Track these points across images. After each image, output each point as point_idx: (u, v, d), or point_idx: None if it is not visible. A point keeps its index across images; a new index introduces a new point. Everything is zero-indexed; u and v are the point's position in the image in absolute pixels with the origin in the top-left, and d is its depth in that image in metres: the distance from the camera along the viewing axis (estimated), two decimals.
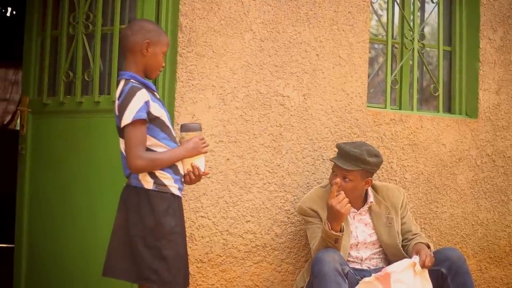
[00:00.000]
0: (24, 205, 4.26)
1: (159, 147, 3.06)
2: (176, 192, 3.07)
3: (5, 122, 8.11)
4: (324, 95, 4.25)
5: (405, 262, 3.66)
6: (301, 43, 4.20)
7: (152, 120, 3.01)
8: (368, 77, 4.48)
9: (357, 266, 3.84)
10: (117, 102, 3.03)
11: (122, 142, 3.07)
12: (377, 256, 3.90)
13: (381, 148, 4.36)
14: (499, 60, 4.83)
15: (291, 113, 4.16)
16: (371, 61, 4.77)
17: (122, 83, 3.06)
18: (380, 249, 3.90)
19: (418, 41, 4.68)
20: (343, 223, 3.65)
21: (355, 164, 3.78)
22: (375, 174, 4.01)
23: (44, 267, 4.15)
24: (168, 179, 3.04)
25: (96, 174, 4.02)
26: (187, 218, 3.86)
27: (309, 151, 4.20)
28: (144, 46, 3.07)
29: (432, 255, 3.71)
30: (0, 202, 6.18)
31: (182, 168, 3.13)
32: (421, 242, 3.83)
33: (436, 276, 3.72)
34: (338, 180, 3.64)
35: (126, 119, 2.96)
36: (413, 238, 3.91)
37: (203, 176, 3.20)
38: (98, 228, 3.98)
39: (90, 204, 4.02)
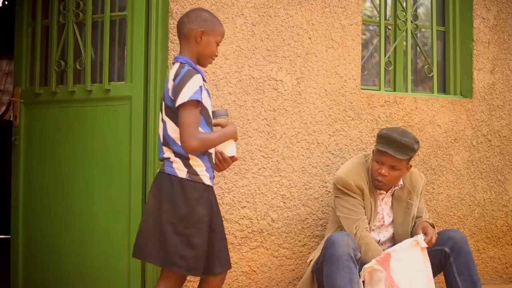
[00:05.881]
0: (20, 196, 4.25)
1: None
2: (207, 181, 3.12)
3: (0, 113, 8.09)
4: (317, 78, 4.23)
5: (408, 241, 3.67)
6: (293, 27, 4.17)
7: (200, 107, 3.08)
8: (362, 59, 4.46)
9: None
10: (172, 82, 3.07)
11: (162, 125, 3.11)
12: (388, 243, 3.91)
13: (376, 130, 4.35)
14: (493, 39, 4.81)
15: (285, 97, 4.14)
16: (366, 43, 4.74)
17: (177, 65, 3.12)
18: (392, 236, 3.91)
19: (411, 22, 4.65)
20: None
21: (406, 153, 3.74)
22: None
23: (40, 257, 4.15)
24: (200, 167, 3.09)
25: (90, 163, 4.01)
26: None
27: (304, 135, 4.19)
28: (198, 34, 3.14)
29: (437, 234, 3.75)
30: None
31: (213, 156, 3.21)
32: (426, 221, 3.86)
33: (440, 255, 3.76)
34: None
35: (182, 98, 3.01)
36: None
37: (233, 161, 3.26)
38: (93, 217, 3.98)
39: (85, 193, 4.02)
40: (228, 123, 3.21)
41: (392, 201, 3.90)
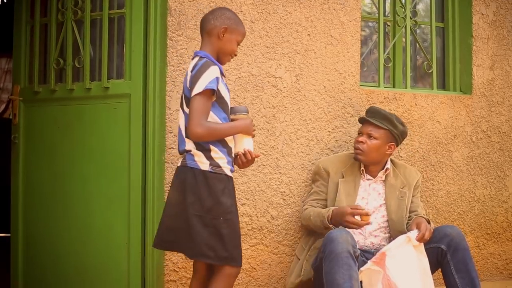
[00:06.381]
0: (19, 194, 4.24)
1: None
2: (229, 173, 3.21)
3: None
4: (316, 75, 4.23)
5: (401, 238, 3.67)
6: (292, 24, 4.17)
7: (218, 98, 3.17)
8: (361, 56, 4.45)
9: (361, 240, 3.87)
10: (190, 74, 3.17)
11: (183, 117, 3.19)
12: (382, 234, 3.90)
13: None
14: (493, 35, 4.80)
15: (284, 94, 4.14)
16: (365, 40, 4.74)
17: (196, 59, 3.22)
18: (386, 224, 3.92)
19: (410, 18, 4.65)
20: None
21: (383, 123, 3.89)
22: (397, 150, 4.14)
23: (40, 256, 4.14)
24: (222, 159, 3.18)
25: (90, 161, 4.00)
26: None
27: (303, 132, 4.18)
28: (221, 31, 3.25)
29: (432, 229, 3.73)
30: None
31: (234, 151, 3.27)
32: (421, 216, 3.86)
33: (436, 253, 3.75)
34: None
35: (198, 88, 3.11)
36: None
37: (255, 159, 3.34)
38: (92, 215, 3.98)
39: (84, 191, 4.01)
40: (243, 119, 3.26)
41: (385, 189, 3.94)
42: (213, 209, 3.13)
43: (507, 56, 4.84)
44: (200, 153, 3.16)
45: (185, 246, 3.17)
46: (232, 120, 3.25)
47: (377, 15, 4.60)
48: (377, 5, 4.62)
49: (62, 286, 4.07)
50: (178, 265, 3.85)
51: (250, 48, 4.04)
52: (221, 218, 3.14)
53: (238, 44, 3.33)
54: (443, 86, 4.83)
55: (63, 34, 4.12)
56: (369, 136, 3.89)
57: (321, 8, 4.25)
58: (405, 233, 3.78)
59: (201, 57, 3.22)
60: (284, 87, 4.14)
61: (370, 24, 4.79)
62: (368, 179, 3.96)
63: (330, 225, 3.72)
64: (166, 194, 3.83)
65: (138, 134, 3.88)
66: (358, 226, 3.64)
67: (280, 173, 4.12)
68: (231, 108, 3.29)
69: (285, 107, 4.14)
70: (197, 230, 3.12)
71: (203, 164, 3.15)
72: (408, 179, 3.99)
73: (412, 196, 3.99)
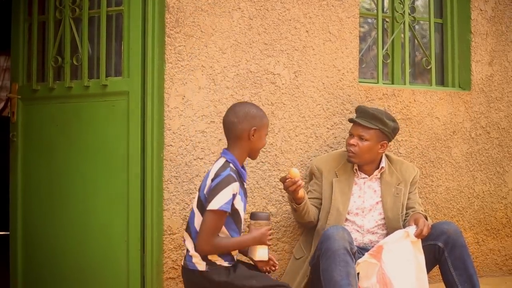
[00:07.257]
0: (18, 193, 4.24)
1: (225, 235, 3.24)
2: (227, 263, 3.26)
3: None
4: (315, 71, 4.23)
5: (399, 233, 3.66)
6: (290, 20, 4.16)
7: (231, 212, 3.20)
8: (360, 52, 4.45)
9: (359, 238, 3.87)
10: (210, 182, 3.20)
11: (191, 213, 3.28)
12: (379, 231, 3.90)
13: None
14: (491, 31, 4.80)
15: (283, 91, 4.13)
16: (363, 36, 4.73)
17: (221, 161, 3.26)
18: (383, 222, 3.91)
19: (409, 14, 4.64)
20: (306, 198, 3.79)
21: (373, 123, 3.85)
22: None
23: (39, 253, 4.14)
24: (219, 260, 3.24)
25: (88, 159, 4.00)
26: (181, 200, 3.86)
27: (302, 129, 4.18)
28: (252, 133, 3.27)
29: (430, 225, 3.72)
30: None
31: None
32: (419, 213, 3.84)
33: (433, 250, 3.73)
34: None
35: (213, 205, 3.14)
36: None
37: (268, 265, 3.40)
38: (91, 213, 3.98)
39: (83, 188, 4.01)
40: (256, 229, 3.26)
41: (381, 186, 3.94)
42: None
43: (506, 52, 4.84)
44: (197, 254, 3.22)
45: None
46: (250, 225, 3.28)
47: (375, 11, 4.59)
48: (375, 1, 4.62)
49: (61, 284, 4.07)
50: (177, 263, 3.85)
51: (248, 45, 4.04)
52: None
53: (266, 135, 3.36)
54: (442, 82, 4.82)
55: (61, 32, 4.11)
56: (360, 138, 3.87)
57: (319, 5, 4.24)
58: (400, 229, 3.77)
59: (227, 161, 3.23)
60: (283, 84, 4.13)
61: (369, 20, 4.78)
62: (363, 177, 3.95)
63: (292, 203, 3.78)
64: (165, 191, 3.83)
65: (136, 131, 3.88)
66: (291, 186, 3.62)
67: (279, 170, 4.11)
68: (252, 213, 3.32)
69: (284, 104, 4.14)
70: None
71: (200, 265, 3.23)
72: (404, 176, 3.98)
73: (409, 193, 3.97)
